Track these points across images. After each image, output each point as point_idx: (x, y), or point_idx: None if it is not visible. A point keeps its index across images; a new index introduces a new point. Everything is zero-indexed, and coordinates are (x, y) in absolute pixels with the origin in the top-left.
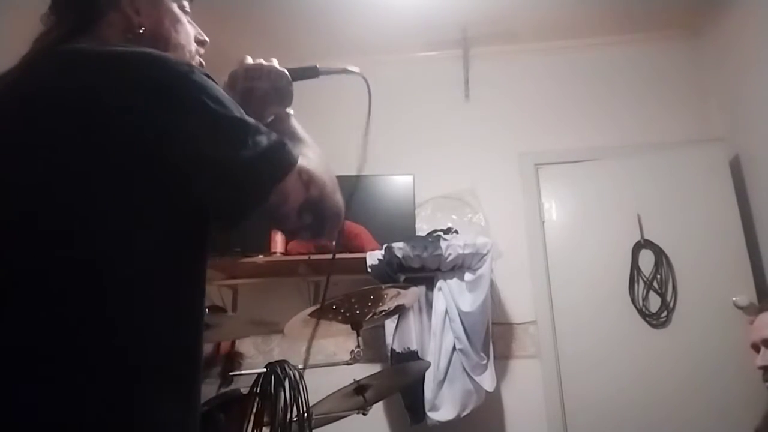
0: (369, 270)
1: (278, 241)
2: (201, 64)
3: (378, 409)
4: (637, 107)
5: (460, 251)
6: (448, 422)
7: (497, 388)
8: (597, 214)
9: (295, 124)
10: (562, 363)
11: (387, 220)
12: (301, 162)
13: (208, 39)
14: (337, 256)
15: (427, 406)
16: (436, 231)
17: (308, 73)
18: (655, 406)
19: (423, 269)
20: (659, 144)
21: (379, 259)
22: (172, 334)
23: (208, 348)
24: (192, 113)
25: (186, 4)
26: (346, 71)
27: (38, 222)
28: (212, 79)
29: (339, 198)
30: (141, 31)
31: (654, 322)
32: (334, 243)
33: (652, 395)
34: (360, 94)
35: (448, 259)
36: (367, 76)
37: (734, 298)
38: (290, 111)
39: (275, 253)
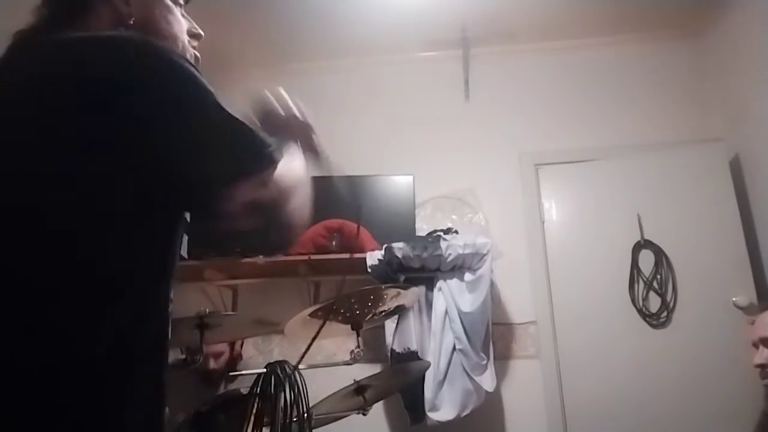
0: (369, 270)
1: None
2: (196, 57)
3: (378, 409)
4: (637, 107)
5: (460, 251)
6: (448, 422)
7: (497, 388)
8: (597, 214)
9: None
10: (562, 363)
11: (387, 220)
12: (282, 166)
13: (202, 32)
14: (337, 256)
15: (427, 406)
16: (436, 231)
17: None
18: (654, 406)
19: (423, 269)
20: (659, 144)
21: (379, 259)
22: (130, 328)
23: (222, 347)
24: (174, 96)
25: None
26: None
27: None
28: (197, 70)
29: (296, 214)
30: (131, 22)
31: (654, 322)
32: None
33: (652, 395)
34: (362, 94)
35: (448, 259)
36: (367, 76)
37: (734, 298)
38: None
39: (275, 253)
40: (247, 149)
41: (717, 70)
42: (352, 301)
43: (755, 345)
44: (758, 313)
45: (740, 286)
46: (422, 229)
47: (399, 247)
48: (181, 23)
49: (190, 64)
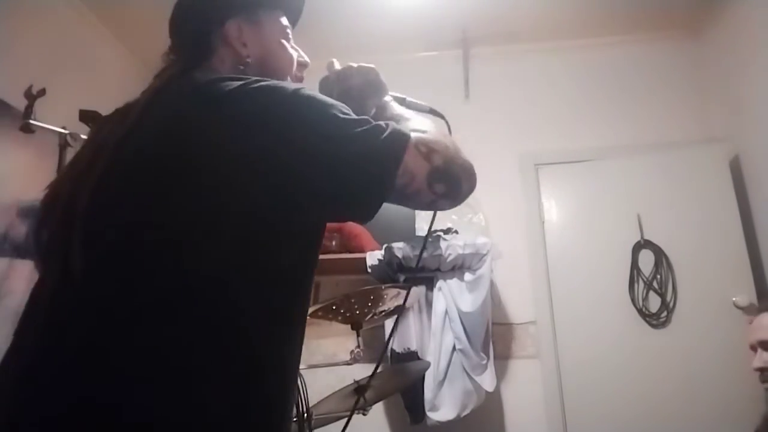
0: (369, 270)
1: None
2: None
3: (378, 409)
4: (637, 107)
5: (460, 251)
6: (448, 422)
7: (497, 388)
8: (597, 214)
9: (397, 107)
10: (562, 363)
11: (387, 220)
12: (415, 136)
13: (309, 61)
14: (337, 256)
15: (426, 406)
16: (436, 231)
17: (396, 100)
18: (654, 406)
19: (423, 269)
20: (659, 144)
21: (379, 259)
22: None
23: None
24: (300, 127)
25: (289, 32)
26: (433, 112)
27: (162, 243)
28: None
29: (465, 156)
30: (249, 61)
31: (654, 322)
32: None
33: (652, 395)
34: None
35: (448, 260)
36: None
37: (734, 298)
38: (389, 98)
39: None
40: (386, 135)
41: (717, 70)
42: (352, 301)
43: (753, 348)
44: (755, 314)
45: (740, 286)
46: (422, 229)
47: (399, 247)
48: (292, 57)
49: (310, 91)
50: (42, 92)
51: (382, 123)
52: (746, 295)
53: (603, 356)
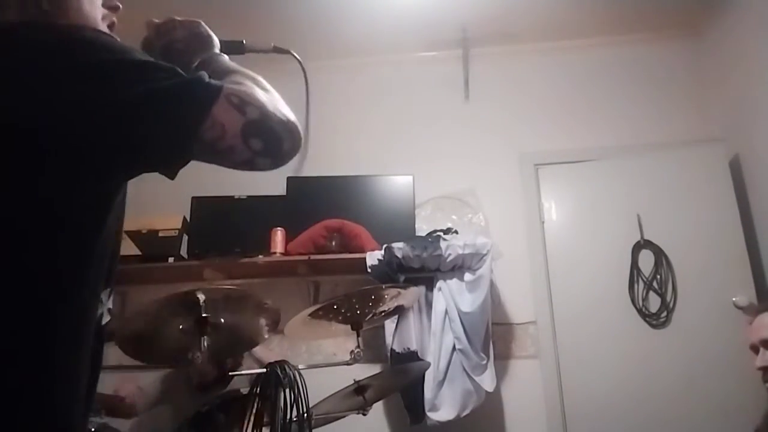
0: (369, 270)
1: (278, 241)
2: (112, 24)
3: (378, 409)
4: (637, 107)
5: (460, 251)
6: (448, 422)
7: (497, 388)
8: (597, 214)
9: (226, 60)
10: (562, 363)
11: (387, 220)
12: (228, 87)
13: (120, 5)
14: (337, 256)
15: (426, 406)
16: (436, 231)
17: (233, 48)
18: (654, 406)
19: (423, 269)
20: (659, 144)
21: (379, 259)
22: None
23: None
24: (93, 72)
25: None
26: (277, 50)
27: None
28: (111, 36)
29: (287, 111)
30: (42, 5)
31: (654, 322)
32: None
33: (652, 395)
34: (362, 94)
35: (448, 260)
36: (368, 76)
37: (734, 298)
38: (217, 52)
39: (275, 253)
40: (190, 83)
41: (717, 70)
42: (353, 301)
43: (754, 347)
44: (755, 313)
45: (740, 286)
46: (422, 229)
47: (399, 247)
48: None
49: (104, 33)
50: None
51: (189, 75)
52: (746, 295)
53: (603, 356)
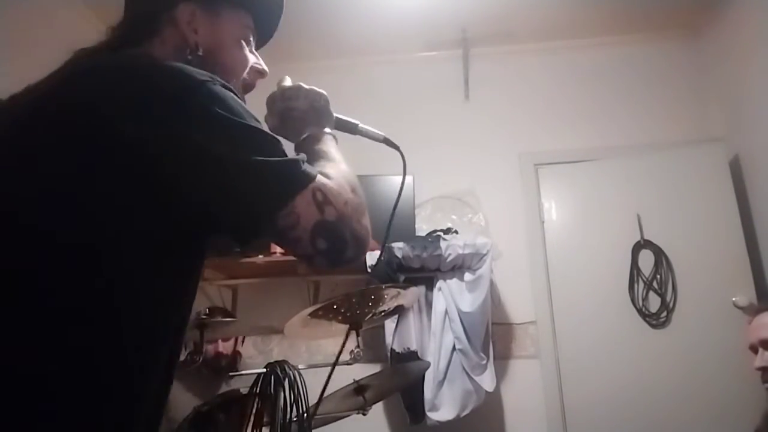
0: (369, 270)
1: None
2: (249, 87)
3: (378, 409)
4: (636, 107)
5: (460, 251)
6: (448, 422)
7: (497, 388)
8: (597, 214)
9: (331, 143)
10: (562, 363)
11: (387, 220)
12: (318, 181)
13: (267, 70)
14: None
15: (426, 406)
16: (436, 231)
17: (346, 126)
18: (654, 406)
19: (423, 269)
20: (659, 144)
21: (379, 259)
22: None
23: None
24: (200, 121)
25: (251, 36)
26: (387, 142)
27: (27, 223)
28: (237, 95)
29: (364, 222)
30: (199, 52)
31: (654, 322)
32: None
33: (652, 395)
34: (362, 94)
35: (448, 260)
36: (368, 76)
37: (734, 298)
38: (329, 131)
39: (275, 253)
40: (288, 165)
41: (717, 69)
42: (353, 301)
43: (753, 348)
44: (754, 314)
45: (740, 286)
46: (422, 229)
47: (399, 247)
48: (246, 60)
49: (232, 91)
50: None
51: (289, 157)
52: (746, 295)
53: (603, 356)
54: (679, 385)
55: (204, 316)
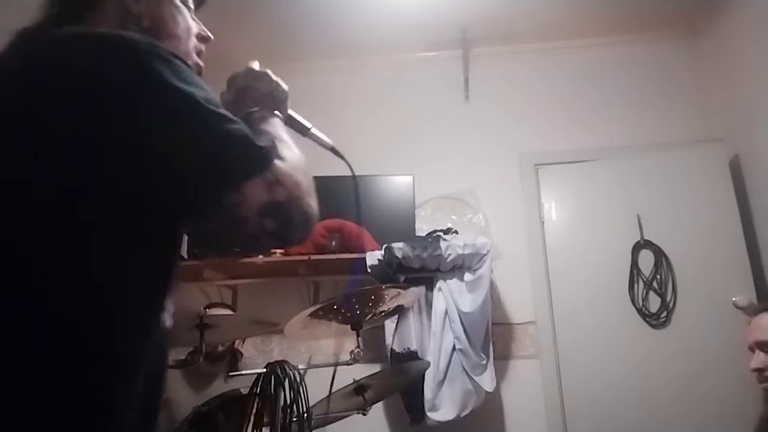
0: (369, 270)
1: None
2: (198, 65)
3: (378, 409)
4: (636, 107)
5: (460, 251)
6: (448, 422)
7: (497, 388)
8: (597, 214)
9: (280, 126)
10: (562, 363)
11: (387, 220)
12: (278, 163)
13: (211, 35)
14: (337, 256)
15: (426, 406)
16: (436, 231)
17: (297, 126)
18: (654, 406)
19: (423, 269)
20: (659, 144)
21: (379, 259)
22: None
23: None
24: (153, 92)
25: (191, 4)
26: (334, 152)
27: None
28: (185, 63)
29: (312, 204)
30: (144, 24)
31: (654, 322)
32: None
33: (652, 395)
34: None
35: (448, 260)
36: (368, 77)
37: (734, 298)
38: (279, 114)
39: (275, 253)
40: (241, 151)
41: (717, 70)
42: (353, 301)
43: (751, 349)
44: (752, 315)
45: (740, 286)
46: (422, 229)
47: (399, 247)
48: (189, 26)
49: (185, 63)
50: None
51: (246, 134)
52: (746, 295)
53: (603, 356)
54: (679, 385)
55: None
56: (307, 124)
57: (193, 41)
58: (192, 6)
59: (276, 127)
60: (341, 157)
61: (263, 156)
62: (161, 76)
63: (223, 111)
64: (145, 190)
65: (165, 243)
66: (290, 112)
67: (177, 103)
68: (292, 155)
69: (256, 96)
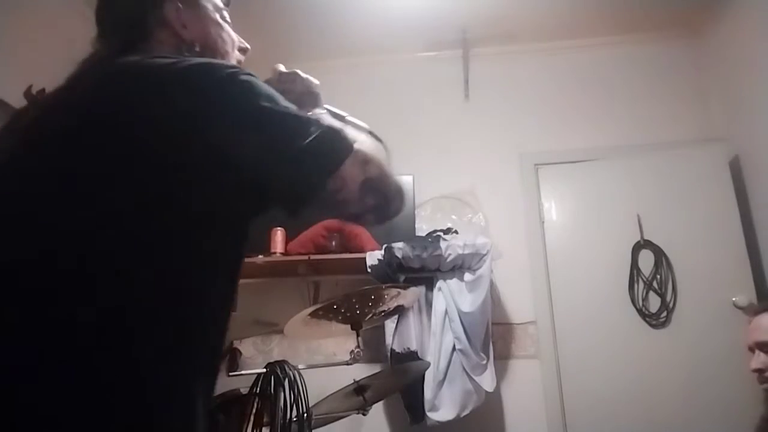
0: (369, 270)
1: (278, 241)
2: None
3: (378, 409)
4: (637, 107)
5: (460, 251)
6: (448, 422)
7: (497, 388)
8: (597, 214)
9: (332, 120)
10: (562, 363)
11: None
12: (356, 144)
13: (249, 46)
14: (337, 256)
15: (426, 407)
16: (436, 231)
17: (334, 116)
18: (654, 406)
19: (423, 269)
20: (659, 144)
21: (379, 259)
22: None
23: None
24: (242, 112)
25: (226, 14)
26: (372, 135)
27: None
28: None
29: (396, 178)
30: (196, 48)
31: (654, 322)
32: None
33: (652, 395)
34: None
35: (448, 260)
36: (367, 76)
37: (734, 298)
38: (323, 110)
39: (275, 253)
40: (331, 141)
41: (717, 70)
42: (353, 301)
43: (751, 349)
44: (752, 315)
45: (740, 286)
46: (422, 229)
47: (399, 247)
48: (233, 39)
49: (251, 74)
50: (42, 92)
51: (328, 124)
52: (746, 295)
53: (603, 356)
54: (679, 384)
55: None
56: (342, 113)
57: (237, 53)
58: (228, 18)
59: (329, 118)
60: (379, 140)
61: (348, 141)
62: (246, 96)
63: (301, 112)
64: (261, 192)
65: (243, 237)
66: (325, 105)
67: (272, 117)
68: (359, 137)
69: (295, 98)
